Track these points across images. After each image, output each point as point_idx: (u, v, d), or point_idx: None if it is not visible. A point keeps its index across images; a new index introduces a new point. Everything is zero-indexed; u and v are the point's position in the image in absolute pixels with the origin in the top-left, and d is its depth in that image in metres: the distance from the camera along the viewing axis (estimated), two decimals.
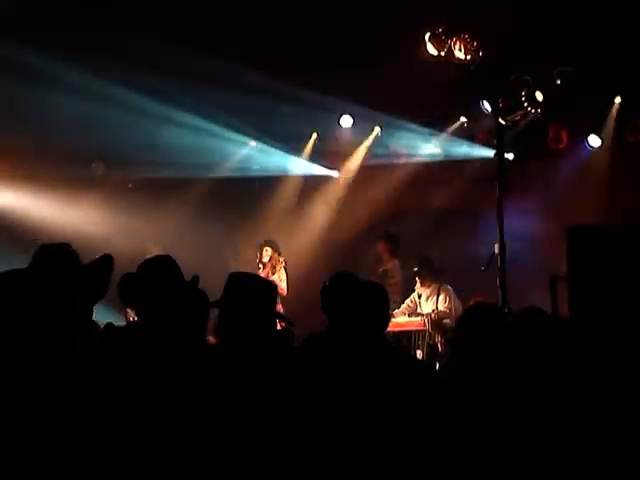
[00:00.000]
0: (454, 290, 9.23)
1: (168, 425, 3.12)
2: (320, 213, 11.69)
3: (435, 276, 9.27)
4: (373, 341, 3.76)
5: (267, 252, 9.79)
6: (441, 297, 9.15)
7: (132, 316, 7.55)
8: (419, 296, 9.39)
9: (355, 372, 3.53)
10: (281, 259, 9.87)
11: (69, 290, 3.24)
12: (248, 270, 9.28)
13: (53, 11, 8.00)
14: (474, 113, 9.92)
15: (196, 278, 3.64)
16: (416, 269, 9.35)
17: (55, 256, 3.38)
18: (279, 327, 5.32)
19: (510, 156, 9.61)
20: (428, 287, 9.29)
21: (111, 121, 9.83)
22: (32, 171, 10.87)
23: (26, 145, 10.41)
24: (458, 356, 4.04)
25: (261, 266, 9.73)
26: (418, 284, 9.33)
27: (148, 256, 3.68)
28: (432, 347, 8.93)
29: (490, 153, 8.51)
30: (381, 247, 10.18)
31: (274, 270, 9.64)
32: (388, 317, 4.13)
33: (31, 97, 9.30)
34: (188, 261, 3.85)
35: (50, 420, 3.00)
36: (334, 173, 11.62)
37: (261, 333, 3.54)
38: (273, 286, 3.83)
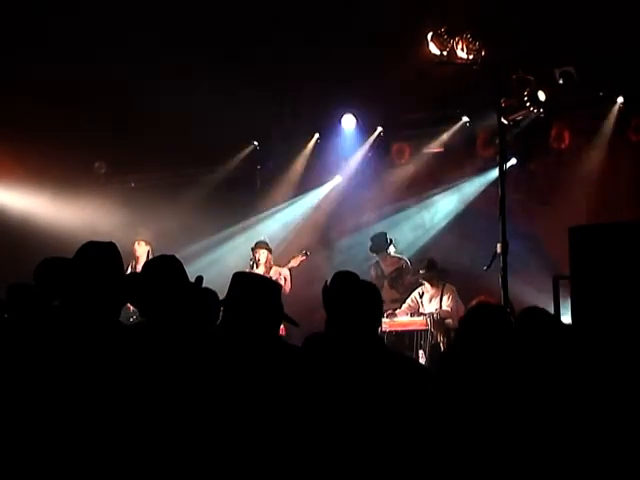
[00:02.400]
0: (457, 290, 9.23)
1: (171, 424, 3.12)
2: (320, 212, 11.68)
3: (441, 277, 9.29)
4: (370, 340, 3.75)
5: (263, 254, 9.75)
6: (445, 297, 9.17)
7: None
8: (421, 295, 9.40)
9: (355, 371, 3.52)
10: (287, 265, 9.78)
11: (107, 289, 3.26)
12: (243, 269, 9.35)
13: None
14: (476, 113, 9.91)
15: (200, 278, 3.64)
16: (422, 272, 9.34)
17: (101, 253, 3.36)
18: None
19: (513, 161, 9.60)
20: (432, 287, 9.30)
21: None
22: (34, 171, 10.91)
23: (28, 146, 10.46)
24: (460, 356, 4.03)
25: (255, 267, 9.69)
26: (428, 286, 9.33)
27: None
28: (434, 347, 8.92)
29: (494, 173, 8.59)
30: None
31: (268, 272, 9.56)
32: (381, 316, 4.13)
33: None
34: (186, 259, 3.84)
35: (54, 415, 3.00)
36: (337, 179, 11.58)
37: (265, 333, 3.53)
38: (278, 286, 3.83)
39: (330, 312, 3.78)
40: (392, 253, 9.91)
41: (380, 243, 9.89)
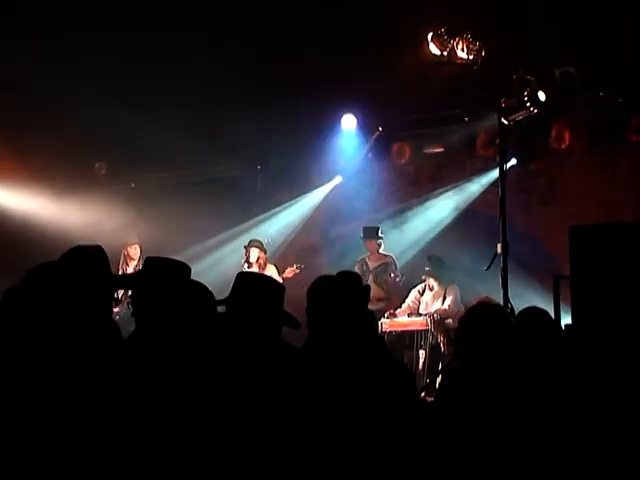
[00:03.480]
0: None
1: (170, 424, 3.13)
2: (320, 212, 11.69)
3: (446, 274, 9.29)
4: (371, 341, 3.75)
5: (254, 253, 9.78)
6: (448, 298, 9.16)
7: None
8: (421, 293, 9.40)
9: (355, 373, 3.52)
10: (270, 263, 9.84)
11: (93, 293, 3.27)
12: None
13: None
14: (476, 113, 9.92)
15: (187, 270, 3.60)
16: (428, 268, 9.34)
17: (88, 258, 3.37)
18: None
19: (513, 161, 9.61)
20: (438, 284, 9.30)
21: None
22: (35, 172, 10.92)
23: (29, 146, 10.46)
24: (460, 356, 4.04)
25: (246, 266, 9.71)
26: (434, 283, 9.31)
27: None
28: (435, 347, 8.93)
29: (495, 173, 8.58)
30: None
31: (262, 271, 9.58)
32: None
33: None
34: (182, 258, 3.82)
35: (51, 418, 3.00)
36: (337, 179, 11.58)
37: (267, 333, 3.53)
38: (282, 287, 3.82)
39: (327, 311, 3.75)
40: (381, 250, 9.93)
41: (371, 231, 9.94)
